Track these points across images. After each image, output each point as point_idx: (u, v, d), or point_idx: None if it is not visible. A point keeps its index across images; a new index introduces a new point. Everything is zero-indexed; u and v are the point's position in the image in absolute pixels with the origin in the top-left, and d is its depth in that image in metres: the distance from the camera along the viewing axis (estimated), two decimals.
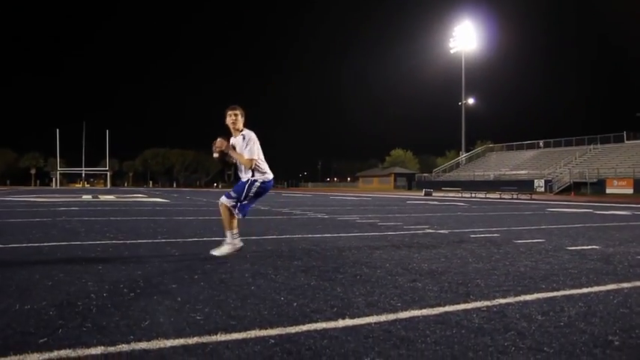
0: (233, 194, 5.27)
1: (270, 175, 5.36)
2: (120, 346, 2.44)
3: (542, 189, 45.72)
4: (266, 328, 2.75)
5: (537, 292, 3.77)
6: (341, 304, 3.32)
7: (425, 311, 3.17)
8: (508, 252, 6.01)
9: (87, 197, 26.75)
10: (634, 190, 39.82)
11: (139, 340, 2.52)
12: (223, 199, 5.32)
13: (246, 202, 5.31)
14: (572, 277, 4.45)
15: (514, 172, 53.98)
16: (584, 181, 43.93)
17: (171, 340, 2.52)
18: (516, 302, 3.47)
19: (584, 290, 3.89)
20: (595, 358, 2.37)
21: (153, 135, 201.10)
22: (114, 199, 23.72)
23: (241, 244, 5.43)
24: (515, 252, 6.02)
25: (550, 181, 46.85)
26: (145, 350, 2.39)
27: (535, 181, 47.33)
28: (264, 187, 5.32)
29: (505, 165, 58.98)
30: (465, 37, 64.56)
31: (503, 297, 3.61)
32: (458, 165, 66.59)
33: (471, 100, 67.57)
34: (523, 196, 32.12)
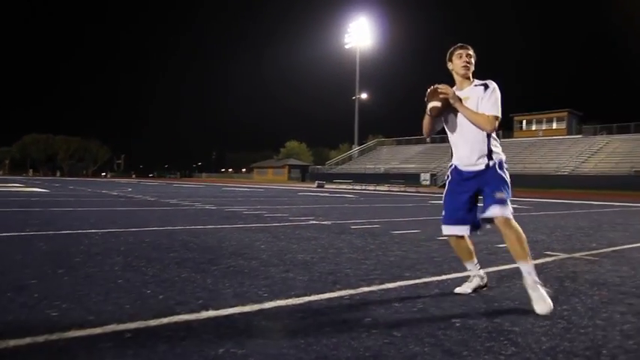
0: (501, 194, 3.31)
1: (502, 153, 3.52)
2: None
3: (428, 182, 48.22)
4: (125, 322, 2.69)
5: (401, 280, 4.00)
6: (208, 296, 3.32)
7: (290, 301, 3.25)
8: (383, 242, 6.30)
9: None
10: None
11: None
12: (499, 211, 3.27)
13: (510, 190, 3.42)
14: (435, 264, 4.77)
15: (403, 166, 56.45)
16: None
17: (17, 340, 2.38)
18: (379, 290, 3.65)
19: (444, 277, 4.18)
20: (436, 338, 2.57)
21: (34, 120, 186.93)
22: None
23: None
24: (390, 242, 6.33)
25: (435, 174, 49.52)
26: None
27: (421, 174, 49.82)
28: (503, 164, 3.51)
29: (395, 158, 61.50)
30: (360, 33, 66.24)
31: (368, 286, 3.78)
32: (350, 158, 68.43)
33: (364, 95, 69.60)
34: (410, 189, 33.74)
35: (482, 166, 3.44)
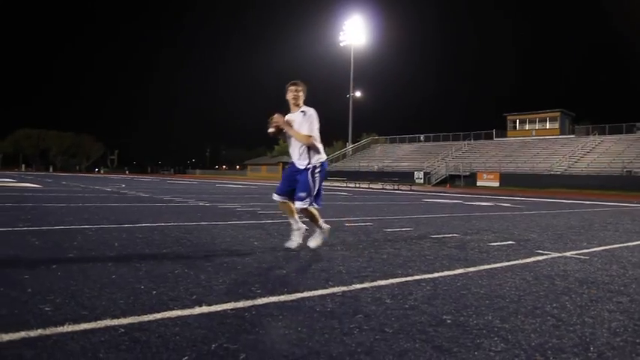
0: (302, 194, 5.12)
1: (324, 156, 5.31)
2: None
3: (422, 180, 48.38)
4: (118, 318, 2.70)
5: (393, 278, 4.03)
6: (201, 292, 3.34)
7: (282, 297, 3.28)
8: (376, 240, 6.33)
9: None
10: (500, 183, 43.41)
11: None
12: (300, 204, 5.15)
13: (313, 192, 5.18)
14: (427, 262, 4.80)
15: (396, 164, 56.56)
16: (458, 173, 47.08)
17: (10, 334, 2.39)
18: (371, 287, 3.68)
19: (435, 275, 4.22)
20: (427, 335, 2.60)
21: (26, 115, 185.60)
22: None
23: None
24: (383, 240, 6.36)
25: (429, 173, 49.69)
26: None
27: (415, 172, 49.96)
28: (323, 169, 5.27)
29: (388, 157, 61.59)
30: (355, 31, 66.21)
31: (361, 282, 3.81)
32: (344, 156, 68.44)
33: (358, 93, 69.66)
34: (403, 187, 33.80)
35: (302, 167, 5.19)
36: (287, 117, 5.26)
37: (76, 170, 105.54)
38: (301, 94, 5.24)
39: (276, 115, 5.17)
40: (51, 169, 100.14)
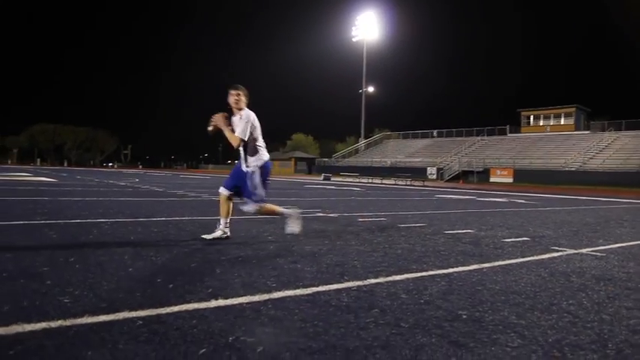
0: (247, 199, 5.34)
1: (265, 157, 5.39)
2: None
3: (434, 176, 48.18)
4: (136, 310, 2.74)
5: (407, 273, 4.03)
6: (217, 285, 3.36)
7: (298, 291, 3.29)
8: (390, 235, 6.32)
9: None
10: (513, 180, 43.12)
11: None
12: (247, 208, 5.35)
13: (257, 192, 5.32)
14: (442, 258, 4.79)
15: (409, 160, 56.36)
16: (471, 169, 46.83)
17: (32, 325, 2.43)
18: (386, 282, 3.69)
19: (450, 270, 4.21)
20: (443, 330, 2.60)
21: (42, 110, 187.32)
22: None
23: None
24: (397, 235, 6.36)
25: (441, 169, 49.46)
26: None
27: (428, 168, 49.74)
28: (265, 168, 5.40)
29: (401, 152, 61.39)
30: (368, 26, 65.96)
31: (375, 277, 3.82)
32: (357, 151, 68.36)
33: (371, 88, 69.47)
34: (416, 183, 33.70)
35: (243, 168, 5.35)
36: (232, 119, 5.38)
37: (90, 165, 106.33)
38: (242, 97, 5.34)
39: (216, 115, 5.32)
40: (65, 164, 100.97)
